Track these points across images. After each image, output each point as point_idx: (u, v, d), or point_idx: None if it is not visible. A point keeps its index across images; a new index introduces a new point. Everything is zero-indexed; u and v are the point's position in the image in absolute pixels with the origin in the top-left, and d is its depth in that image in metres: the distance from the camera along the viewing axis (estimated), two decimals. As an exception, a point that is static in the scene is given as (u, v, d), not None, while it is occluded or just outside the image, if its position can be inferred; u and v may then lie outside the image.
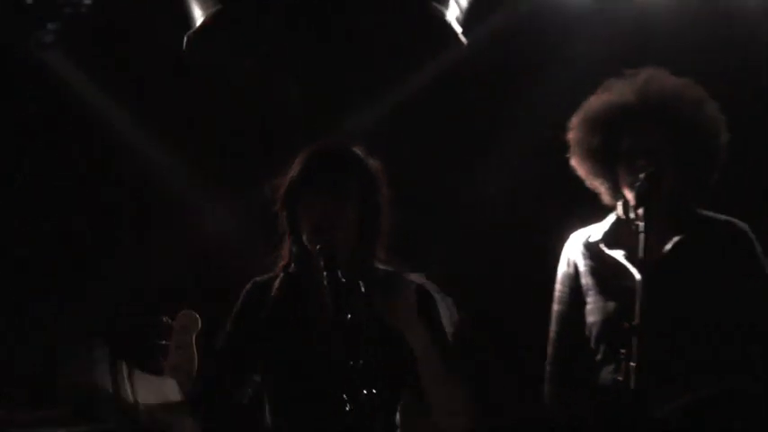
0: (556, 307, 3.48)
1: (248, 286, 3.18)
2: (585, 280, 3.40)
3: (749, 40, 4.76)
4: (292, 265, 3.15)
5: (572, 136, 3.43)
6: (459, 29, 4.57)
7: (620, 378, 3.17)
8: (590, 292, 3.39)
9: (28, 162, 4.99)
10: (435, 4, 4.50)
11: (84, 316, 4.81)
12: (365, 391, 2.91)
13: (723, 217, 3.39)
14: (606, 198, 3.44)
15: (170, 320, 3.21)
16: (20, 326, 4.87)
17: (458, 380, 3.02)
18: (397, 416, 3.13)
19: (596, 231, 3.44)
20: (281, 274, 3.14)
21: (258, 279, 3.20)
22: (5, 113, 4.96)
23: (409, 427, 3.17)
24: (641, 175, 3.24)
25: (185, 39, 4.53)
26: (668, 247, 3.31)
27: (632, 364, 3.13)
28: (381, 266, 3.15)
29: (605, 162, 3.37)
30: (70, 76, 4.89)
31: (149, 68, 4.87)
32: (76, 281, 4.93)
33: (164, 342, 3.19)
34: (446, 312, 3.31)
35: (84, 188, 4.99)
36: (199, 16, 4.49)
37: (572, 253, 3.46)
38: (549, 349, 3.47)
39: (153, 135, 4.98)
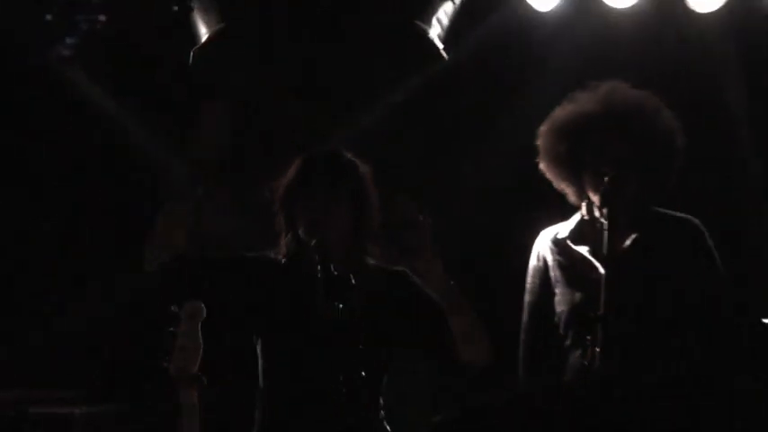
0: (527, 297, 3.57)
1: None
2: (554, 273, 3.50)
3: (703, 56, 4.88)
4: (289, 257, 3.19)
5: (540, 143, 3.52)
6: (440, 45, 4.64)
7: (585, 362, 3.29)
8: (558, 284, 3.49)
9: (29, 162, 5.01)
10: (419, 23, 4.57)
11: (84, 317, 4.83)
12: (356, 374, 2.97)
13: (678, 214, 3.50)
14: (572, 199, 3.53)
15: (178, 310, 3.19)
16: (20, 326, 4.87)
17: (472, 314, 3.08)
18: (381, 399, 3.19)
19: (563, 229, 3.54)
20: (282, 261, 3.20)
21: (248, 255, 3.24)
22: (9, 114, 4.98)
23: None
24: (605, 179, 3.36)
25: (191, 53, 4.56)
26: (628, 243, 3.42)
27: (597, 349, 3.25)
28: (372, 261, 3.21)
29: (571, 167, 3.47)
30: (79, 81, 4.90)
31: (157, 78, 4.87)
32: (76, 281, 4.92)
33: (172, 329, 3.19)
34: None
35: (85, 188, 5.01)
36: (204, 33, 4.52)
37: (541, 248, 3.56)
38: (522, 336, 3.56)
39: (155, 137, 4.96)
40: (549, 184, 3.58)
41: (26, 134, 5.02)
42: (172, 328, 3.23)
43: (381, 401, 3.20)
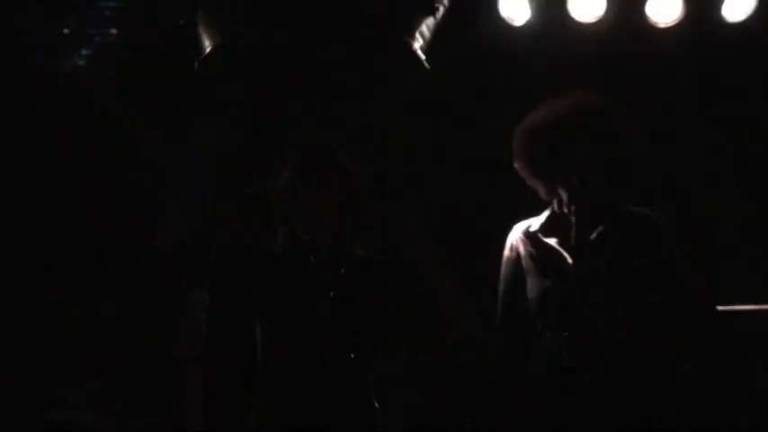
0: (501, 286, 3.65)
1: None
2: (526, 263, 3.59)
3: (662, 66, 5.06)
4: (285, 249, 3.35)
5: (515, 144, 3.62)
6: (423, 56, 4.77)
7: (555, 347, 3.43)
8: (529, 273, 3.57)
9: (29, 162, 5.04)
10: (404, 36, 4.69)
11: (84, 317, 4.89)
12: (347, 356, 3.18)
13: (640, 209, 3.60)
14: (543, 195, 3.63)
15: (182, 296, 3.39)
16: (20, 325, 4.90)
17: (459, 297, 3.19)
18: (369, 378, 3.34)
19: (535, 222, 3.63)
20: (278, 254, 3.33)
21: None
22: (10, 114, 5.03)
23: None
24: (573, 178, 3.49)
25: (196, 63, 4.69)
26: (595, 235, 3.52)
27: (565, 334, 3.41)
28: (361, 252, 3.36)
29: (542, 167, 3.57)
30: (87, 84, 4.96)
31: (161, 84, 4.97)
32: (77, 281, 4.95)
33: (177, 314, 3.40)
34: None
35: (85, 188, 5.05)
36: (208, 45, 4.65)
37: (514, 240, 3.65)
38: (496, 323, 3.64)
39: (157, 137, 5.02)
40: (523, 182, 3.67)
41: (26, 134, 5.05)
42: (177, 314, 3.43)
43: (370, 380, 3.36)
